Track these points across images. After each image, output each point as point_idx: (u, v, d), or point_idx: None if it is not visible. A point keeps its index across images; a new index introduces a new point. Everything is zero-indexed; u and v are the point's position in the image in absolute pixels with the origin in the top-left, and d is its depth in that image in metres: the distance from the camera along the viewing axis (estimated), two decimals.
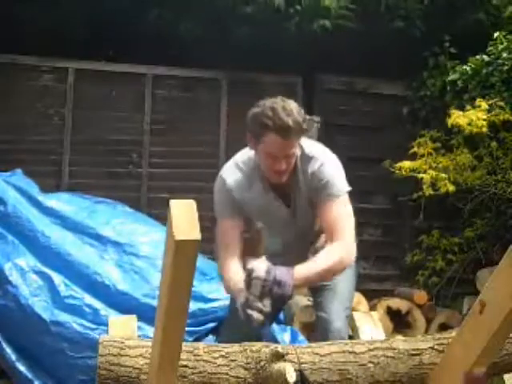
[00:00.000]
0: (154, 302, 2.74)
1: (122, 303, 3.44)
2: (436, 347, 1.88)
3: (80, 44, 5.59)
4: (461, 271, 5.43)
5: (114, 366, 1.88)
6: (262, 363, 1.83)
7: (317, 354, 1.85)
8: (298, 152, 2.48)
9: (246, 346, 1.90)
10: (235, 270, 2.40)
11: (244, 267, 2.29)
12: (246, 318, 2.21)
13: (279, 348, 1.88)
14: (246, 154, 2.59)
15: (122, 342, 1.94)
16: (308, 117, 2.48)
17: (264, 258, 2.27)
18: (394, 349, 1.88)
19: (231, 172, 2.57)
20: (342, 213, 2.48)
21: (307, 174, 2.51)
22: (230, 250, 2.47)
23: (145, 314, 3.05)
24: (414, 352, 1.88)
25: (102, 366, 1.89)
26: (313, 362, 1.83)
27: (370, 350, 1.87)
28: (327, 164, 2.51)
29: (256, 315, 2.17)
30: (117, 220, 3.94)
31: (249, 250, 2.32)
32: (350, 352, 1.86)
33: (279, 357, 1.84)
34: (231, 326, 2.70)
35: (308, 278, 2.35)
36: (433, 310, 4.99)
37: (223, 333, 2.95)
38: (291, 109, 2.37)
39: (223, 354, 1.89)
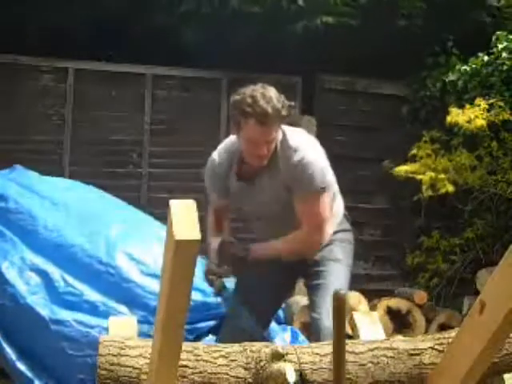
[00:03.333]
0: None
1: (127, 292, 3.41)
2: (436, 347, 1.87)
3: (80, 44, 5.60)
4: (461, 271, 5.43)
5: (114, 366, 1.88)
6: (262, 363, 1.83)
7: (317, 354, 1.85)
8: (278, 137, 2.56)
9: (246, 346, 1.90)
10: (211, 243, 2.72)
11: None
12: (208, 282, 2.68)
13: (279, 348, 1.87)
14: (235, 136, 2.69)
15: (122, 342, 1.93)
16: (288, 102, 2.53)
17: (225, 234, 2.75)
18: (394, 349, 1.88)
19: (219, 152, 2.76)
20: (314, 208, 2.57)
21: (286, 163, 2.55)
22: (212, 223, 2.84)
23: (149, 302, 3.07)
24: (413, 352, 1.87)
25: (102, 365, 1.89)
26: (313, 361, 1.83)
27: (370, 349, 1.87)
28: (307, 159, 2.54)
29: (215, 279, 2.65)
30: (120, 210, 3.94)
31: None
32: (350, 352, 1.86)
33: (279, 357, 1.83)
34: (230, 324, 2.71)
35: (264, 254, 2.63)
36: (433, 310, 4.98)
37: (223, 332, 2.95)
38: (270, 96, 2.45)
39: (223, 353, 1.89)
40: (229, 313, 2.75)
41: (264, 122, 2.43)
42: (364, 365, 1.83)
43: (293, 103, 2.60)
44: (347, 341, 2.09)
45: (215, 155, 2.75)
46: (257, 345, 1.90)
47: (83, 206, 3.82)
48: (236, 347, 1.91)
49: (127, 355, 1.90)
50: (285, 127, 2.60)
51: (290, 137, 2.58)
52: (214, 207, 2.84)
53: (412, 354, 1.87)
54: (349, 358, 1.84)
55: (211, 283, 2.68)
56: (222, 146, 2.78)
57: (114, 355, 1.90)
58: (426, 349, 1.88)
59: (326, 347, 1.92)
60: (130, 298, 3.26)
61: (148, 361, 1.85)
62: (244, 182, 2.67)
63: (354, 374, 1.82)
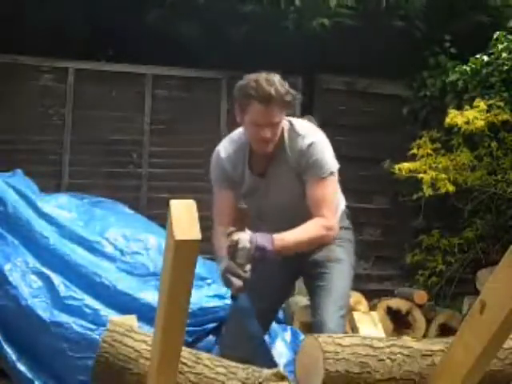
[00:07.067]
0: (154, 303, 2.74)
1: (122, 304, 3.43)
2: (446, 350, 1.87)
3: (80, 44, 5.60)
4: (461, 271, 5.43)
5: (116, 343, 1.93)
6: (261, 380, 1.83)
7: (339, 344, 1.83)
8: (285, 125, 2.59)
9: (250, 366, 1.91)
10: (221, 238, 2.55)
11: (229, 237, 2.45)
12: (226, 282, 2.41)
13: (281, 370, 1.88)
14: (242, 129, 2.69)
15: (130, 326, 2.00)
16: (293, 91, 2.58)
17: (247, 230, 2.43)
18: (410, 347, 1.88)
19: (226, 145, 2.72)
20: (327, 192, 2.58)
21: (295, 150, 2.59)
22: (220, 219, 2.67)
23: (145, 314, 3.05)
24: (426, 353, 1.88)
25: (105, 339, 1.94)
26: (335, 351, 1.81)
27: (388, 346, 1.86)
28: (316, 143, 2.59)
29: (236, 281, 2.37)
30: (112, 230, 3.92)
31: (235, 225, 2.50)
32: (370, 346, 1.85)
33: (279, 377, 1.83)
34: (232, 325, 2.70)
35: (286, 245, 2.47)
36: (433, 310, 4.99)
37: (224, 333, 2.94)
38: (273, 80, 2.53)
39: (224, 365, 1.90)
40: (235, 316, 2.69)
41: (266, 103, 2.47)
42: (383, 360, 1.82)
43: (298, 95, 2.62)
44: (366, 335, 2.09)
45: (220, 149, 2.72)
46: (262, 370, 1.90)
47: (75, 228, 3.84)
48: (240, 364, 1.92)
49: (131, 337, 1.95)
50: (291, 118, 2.65)
51: (297, 125, 2.64)
52: (224, 203, 2.68)
53: (424, 355, 1.87)
54: (369, 351, 1.83)
55: (228, 283, 2.42)
56: (226, 140, 2.75)
57: (120, 334, 1.95)
58: (437, 350, 1.88)
59: (347, 339, 1.88)
60: (126, 308, 3.27)
61: (150, 348, 1.87)
62: (256, 175, 2.65)
63: (373, 367, 1.81)
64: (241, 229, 2.42)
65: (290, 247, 2.50)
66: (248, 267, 2.38)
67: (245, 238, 2.39)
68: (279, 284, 2.76)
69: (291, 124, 2.63)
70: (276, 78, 2.55)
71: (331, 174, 2.60)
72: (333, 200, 2.61)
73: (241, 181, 2.67)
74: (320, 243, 2.59)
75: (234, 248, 2.38)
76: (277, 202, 2.64)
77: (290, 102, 2.56)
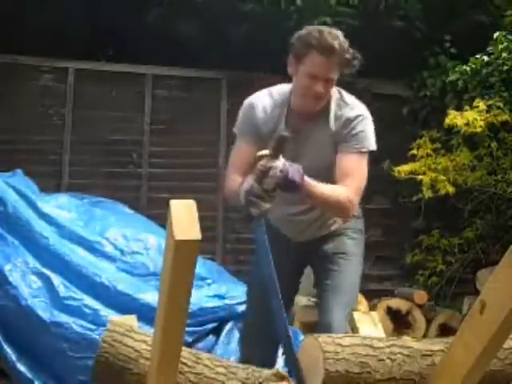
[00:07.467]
0: (154, 303, 2.74)
1: (122, 304, 3.43)
2: (446, 350, 1.87)
3: (80, 44, 5.61)
4: (461, 271, 5.44)
5: (116, 343, 1.91)
6: (261, 380, 1.83)
7: (339, 344, 1.83)
8: (333, 92, 2.53)
9: (250, 366, 1.91)
10: (236, 179, 2.42)
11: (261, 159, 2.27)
12: (249, 204, 2.21)
13: (282, 371, 1.87)
14: (283, 85, 2.64)
15: (130, 326, 1.99)
16: (353, 50, 2.50)
17: (281, 158, 2.27)
18: (410, 347, 1.88)
19: (263, 99, 2.60)
20: (359, 167, 2.50)
21: (341, 119, 2.53)
22: (235, 169, 2.51)
23: (145, 314, 3.06)
24: (426, 353, 1.87)
25: (105, 339, 1.93)
26: (335, 351, 1.81)
27: (388, 346, 1.86)
28: (364, 117, 2.56)
29: (261, 203, 2.20)
30: (112, 230, 3.92)
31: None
32: (370, 346, 1.85)
33: (279, 377, 1.83)
34: (255, 314, 2.63)
35: (313, 191, 2.33)
36: (433, 310, 4.99)
37: (246, 326, 2.87)
38: (337, 34, 2.45)
39: (224, 365, 1.90)
40: (257, 302, 2.57)
41: (328, 55, 2.42)
42: (382, 360, 1.82)
43: (357, 54, 2.52)
44: (365, 335, 2.09)
45: (256, 101, 2.58)
46: (262, 370, 1.90)
47: (75, 228, 3.84)
48: (240, 365, 1.92)
49: (131, 337, 1.94)
50: (340, 88, 2.58)
51: (346, 96, 2.58)
52: (244, 157, 2.50)
53: (424, 355, 1.87)
54: (369, 351, 1.83)
55: (252, 205, 2.21)
56: (264, 94, 2.62)
57: (120, 334, 1.94)
58: (437, 350, 1.88)
59: (347, 339, 1.88)
60: (126, 308, 3.27)
61: (150, 348, 1.87)
62: (291, 132, 2.50)
63: (373, 367, 1.80)
64: (275, 155, 2.25)
65: (315, 195, 2.36)
66: (273, 193, 2.24)
67: (278, 166, 2.23)
68: (287, 271, 2.56)
69: (340, 93, 2.58)
70: (339, 32, 2.47)
71: (367, 152, 2.55)
72: (361, 177, 2.50)
73: (267, 138, 2.50)
74: (339, 211, 2.49)
75: (264, 174, 2.21)
76: (306, 161, 2.46)
77: (350, 61, 2.49)
